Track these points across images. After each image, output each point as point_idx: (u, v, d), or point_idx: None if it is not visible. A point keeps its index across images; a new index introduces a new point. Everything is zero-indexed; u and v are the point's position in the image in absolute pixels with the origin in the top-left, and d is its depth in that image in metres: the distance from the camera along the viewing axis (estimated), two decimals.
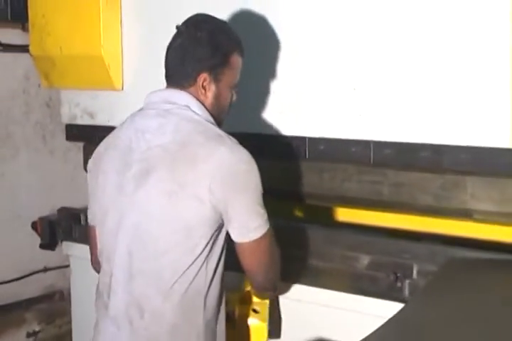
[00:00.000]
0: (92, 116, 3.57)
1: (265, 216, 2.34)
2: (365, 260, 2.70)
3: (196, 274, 2.31)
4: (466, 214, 2.61)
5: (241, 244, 2.34)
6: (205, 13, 2.54)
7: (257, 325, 2.63)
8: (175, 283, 2.30)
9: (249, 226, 2.32)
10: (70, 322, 3.76)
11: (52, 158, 4.61)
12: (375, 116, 2.70)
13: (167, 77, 2.48)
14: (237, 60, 2.48)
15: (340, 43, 2.76)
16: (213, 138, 2.32)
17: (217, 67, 2.42)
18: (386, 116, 2.68)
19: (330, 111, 2.80)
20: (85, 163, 3.69)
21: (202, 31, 2.43)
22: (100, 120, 3.53)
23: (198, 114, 2.39)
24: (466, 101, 2.52)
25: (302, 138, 2.85)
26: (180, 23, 2.47)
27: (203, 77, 2.41)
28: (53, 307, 4.58)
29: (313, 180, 2.89)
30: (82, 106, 3.61)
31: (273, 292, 2.64)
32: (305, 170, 2.91)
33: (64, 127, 3.79)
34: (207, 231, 2.29)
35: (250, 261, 2.38)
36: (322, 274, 2.77)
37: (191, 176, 2.27)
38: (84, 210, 3.69)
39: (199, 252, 2.29)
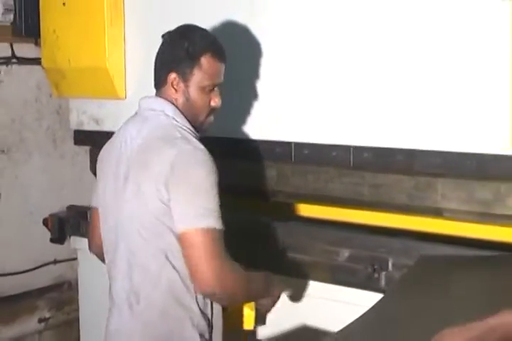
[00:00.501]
0: (97, 122, 3.53)
1: (212, 214, 2.21)
2: (345, 253, 2.67)
3: (178, 264, 2.26)
4: (437, 213, 2.58)
5: (182, 235, 2.21)
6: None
7: (245, 312, 2.60)
8: (161, 272, 2.28)
9: (189, 213, 2.22)
10: (77, 309, 3.74)
11: (62, 161, 4.57)
12: (354, 123, 2.68)
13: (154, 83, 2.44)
14: (209, 62, 2.36)
15: (322, 52, 2.73)
16: (169, 142, 2.28)
17: (185, 66, 2.34)
18: (365, 123, 2.65)
19: (313, 118, 2.77)
20: (92, 165, 3.66)
21: (175, 34, 2.41)
22: (106, 126, 3.49)
23: (172, 118, 2.34)
24: (436, 110, 2.50)
25: (288, 143, 2.82)
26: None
27: (172, 76, 2.35)
28: (62, 296, 4.55)
29: (298, 181, 2.86)
30: (89, 114, 3.58)
31: (225, 302, 2.37)
32: (291, 172, 2.88)
33: (72, 133, 3.77)
34: (171, 224, 2.24)
35: (189, 253, 2.21)
36: (306, 267, 2.74)
37: (145, 178, 2.27)
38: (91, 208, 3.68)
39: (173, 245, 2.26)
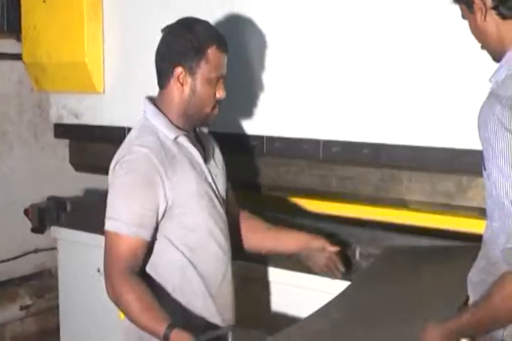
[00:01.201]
0: (77, 116, 3.53)
1: (121, 217, 2.15)
2: None
3: (152, 252, 2.26)
4: (402, 204, 2.61)
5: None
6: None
7: None
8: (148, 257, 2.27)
9: (106, 215, 2.21)
10: (57, 296, 3.73)
11: (42, 153, 4.57)
12: (324, 118, 2.70)
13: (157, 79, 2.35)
14: (215, 55, 2.26)
15: (294, 48, 2.74)
16: (123, 145, 2.30)
17: (191, 60, 2.24)
18: (334, 118, 2.68)
19: (284, 113, 2.79)
20: (71, 157, 3.67)
21: (178, 28, 2.29)
22: (84, 120, 3.49)
23: (145, 119, 2.30)
24: (401, 105, 2.53)
25: (260, 137, 2.85)
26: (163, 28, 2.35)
27: (178, 70, 2.24)
28: (43, 283, 4.55)
29: (270, 173, 2.88)
30: (69, 108, 3.57)
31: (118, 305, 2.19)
32: (263, 164, 2.91)
33: (53, 126, 3.76)
34: None
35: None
36: (279, 256, 2.76)
37: None
38: (70, 199, 3.68)
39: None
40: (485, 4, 1.85)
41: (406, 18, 2.48)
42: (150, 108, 2.31)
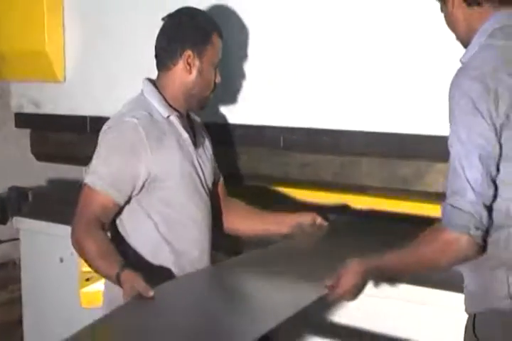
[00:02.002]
0: (37, 105, 3.53)
1: (98, 173, 2.28)
2: None
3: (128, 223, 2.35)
4: (360, 190, 2.66)
5: None
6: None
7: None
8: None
9: (88, 169, 2.34)
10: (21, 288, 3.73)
11: (5, 143, 4.52)
12: (283, 106, 2.74)
13: (156, 63, 2.45)
14: (217, 40, 2.43)
15: (255, 40, 2.78)
16: (113, 116, 2.38)
17: (199, 44, 2.39)
18: (293, 105, 2.72)
19: (246, 100, 2.82)
20: (32, 147, 3.66)
21: (182, 16, 2.43)
22: (45, 109, 3.49)
23: (140, 95, 2.40)
24: (360, 91, 2.58)
25: (222, 125, 2.87)
26: (165, 16, 2.46)
27: (188, 54, 2.38)
28: (7, 274, 4.52)
29: (231, 161, 2.90)
30: (29, 97, 3.57)
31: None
32: (224, 153, 2.92)
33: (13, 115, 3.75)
34: None
35: None
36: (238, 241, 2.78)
37: None
38: (32, 189, 3.67)
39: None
40: None
41: (373, 15, 2.53)
42: (150, 88, 2.42)
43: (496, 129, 1.82)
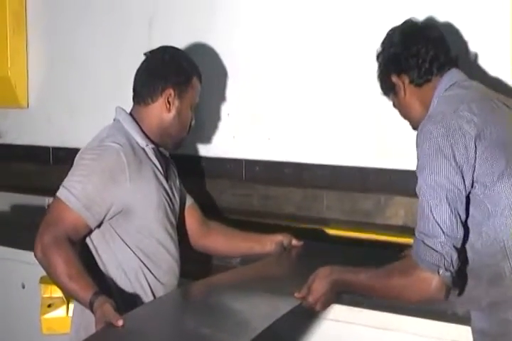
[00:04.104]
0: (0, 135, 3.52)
1: (72, 189, 2.26)
2: (237, 259, 2.76)
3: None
4: (322, 223, 2.70)
5: None
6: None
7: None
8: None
9: (62, 183, 2.31)
10: None
11: None
12: (246, 138, 2.78)
13: (133, 96, 2.47)
14: (197, 84, 2.49)
15: (216, 75, 2.82)
16: (91, 141, 2.39)
17: (181, 85, 2.43)
18: (255, 138, 2.77)
19: (208, 133, 2.87)
20: None
21: (166, 54, 2.46)
22: (7, 139, 3.49)
23: (117, 121, 2.40)
24: (323, 126, 2.63)
25: (185, 157, 2.87)
26: (147, 51, 2.50)
27: (169, 92, 2.42)
28: None
29: (194, 192, 2.91)
30: None
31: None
32: (188, 184, 2.94)
33: None
34: None
35: None
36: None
37: None
38: None
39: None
40: (403, 82, 2.11)
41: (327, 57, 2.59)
42: (126, 116, 2.44)
43: (461, 171, 1.88)
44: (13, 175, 3.51)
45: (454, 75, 2.07)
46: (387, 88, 2.17)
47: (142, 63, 2.48)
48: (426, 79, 2.07)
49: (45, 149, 3.16)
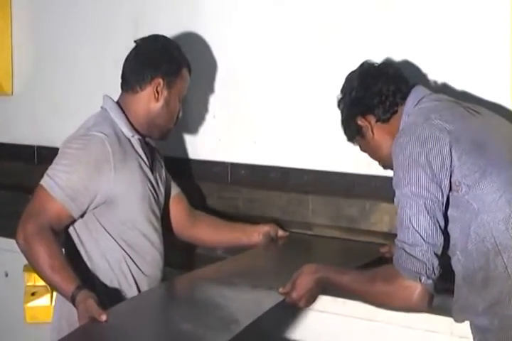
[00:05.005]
0: None
1: (55, 178, 2.26)
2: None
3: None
4: (307, 227, 2.71)
5: None
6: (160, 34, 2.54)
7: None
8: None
9: (46, 171, 2.31)
10: None
11: None
12: (232, 142, 2.78)
13: (122, 83, 2.46)
14: (186, 75, 2.47)
15: (202, 77, 2.81)
16: (77, 130, 2.38)
17: (171, 75, 2.41)
18: (241, 141, 2.77)
19: (194, 135, 2.87)
20: None
21: (157, 43, 2.45)
22: None
23: (106, 114, 2.38)
24: (309, 131, 2.64)
25: (171, 159, 2.86)
26: (138, 39, 2.48)
27: (158, 81, 2.40)
28: None
29: None
30: None
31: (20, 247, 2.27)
32: None
33: None
34: None
35: None
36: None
37: None
38: None
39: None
40: (370, 122, 2.15)
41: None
42: (112, 104, 2.42)
43: (438, 178, 1.90)
44: None
45: (419, 91, 2.12)
46: (353, 132, 2.21)
47: (132, 51, 2.46)
48: (393, 112, 2.12)
49: (29, 148, 3.14)
